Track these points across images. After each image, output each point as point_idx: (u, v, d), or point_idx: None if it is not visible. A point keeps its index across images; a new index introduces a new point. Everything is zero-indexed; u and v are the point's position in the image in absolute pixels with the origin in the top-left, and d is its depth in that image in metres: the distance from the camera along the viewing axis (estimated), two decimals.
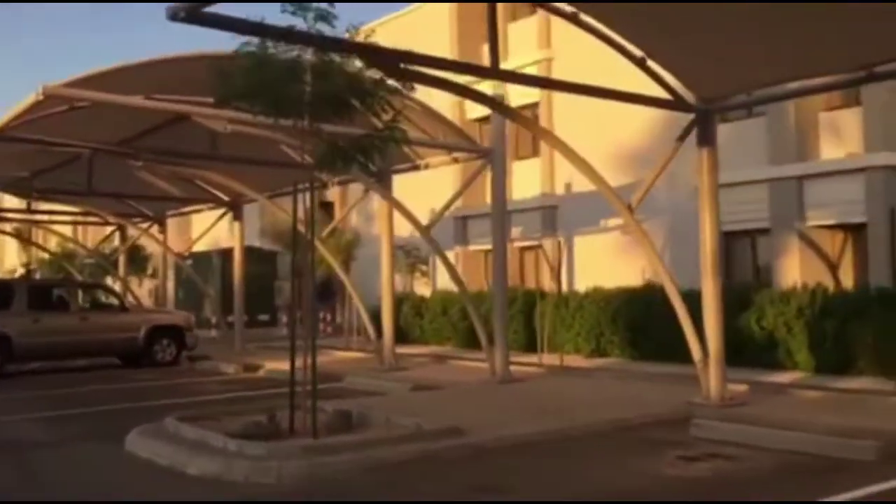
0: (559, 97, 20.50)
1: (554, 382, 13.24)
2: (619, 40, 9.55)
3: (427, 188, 19.52)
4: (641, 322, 16.14)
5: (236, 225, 19.75)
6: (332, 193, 33.28)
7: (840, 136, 15.98)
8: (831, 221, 15.76)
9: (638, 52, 9.70)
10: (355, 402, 10.78)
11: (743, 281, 16.66)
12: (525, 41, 21.03)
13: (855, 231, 15.84)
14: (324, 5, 7.78)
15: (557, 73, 20.29)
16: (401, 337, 17.53)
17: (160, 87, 11.53)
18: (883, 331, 12.60)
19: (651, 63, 9.81)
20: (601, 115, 18.89)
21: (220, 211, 21.75)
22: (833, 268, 16.12)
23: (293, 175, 17.19)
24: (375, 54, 7.76)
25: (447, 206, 14.91)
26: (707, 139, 10.21)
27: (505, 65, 21.64)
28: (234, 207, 19.86)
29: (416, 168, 15.28)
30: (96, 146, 13.72)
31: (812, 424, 8.75)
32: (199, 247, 26.24)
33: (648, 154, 18.24)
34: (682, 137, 10.28)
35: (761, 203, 16.26)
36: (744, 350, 13.50)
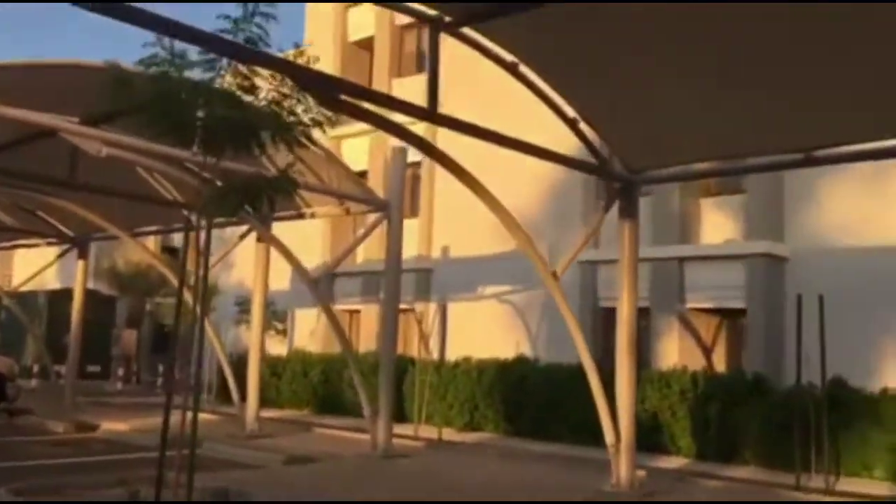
0: None
1: (441, 460, 12.22)
2: (553, 98, 9.00)
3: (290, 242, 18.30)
4: (516, 397, 15.55)
5: (80, 264, 17.62)
6: (179, 239, 31.21)
7: (720, 223, 16.23)
8: (710, 305, 15.85)
9: (570, 112, 9.17)
10: (227, 476, 9.34)
11: None
12: (411, 99, 20.42)
13: (730, 316, 16.00)
14: (256, 30, 6.77)
15: (444, 135, 19.76)
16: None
17: (16, 97, 9.86)
18: (764, 419, 12.54)
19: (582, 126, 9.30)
20: (484, 180, 18.44)
21: (56, 247, 19.52)
22: (707, 351, 16.19)
23: (158, 213, 15.74)
24: (311, 79, 6.74)
25: (343, 257, 13.76)
26: (629, 211, 9.78)
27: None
28: (80, 244, 17.75)
29: (300, 216, 14.08)
30: None
31: None
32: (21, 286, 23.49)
33: (532, 224, 17.94)
34: (606, 207, 9.82)
35: (642, 282, 16.07)
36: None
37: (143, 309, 28.55)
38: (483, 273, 18.99)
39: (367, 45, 23.02)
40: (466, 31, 8.06)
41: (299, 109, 8.01)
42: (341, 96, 6.79)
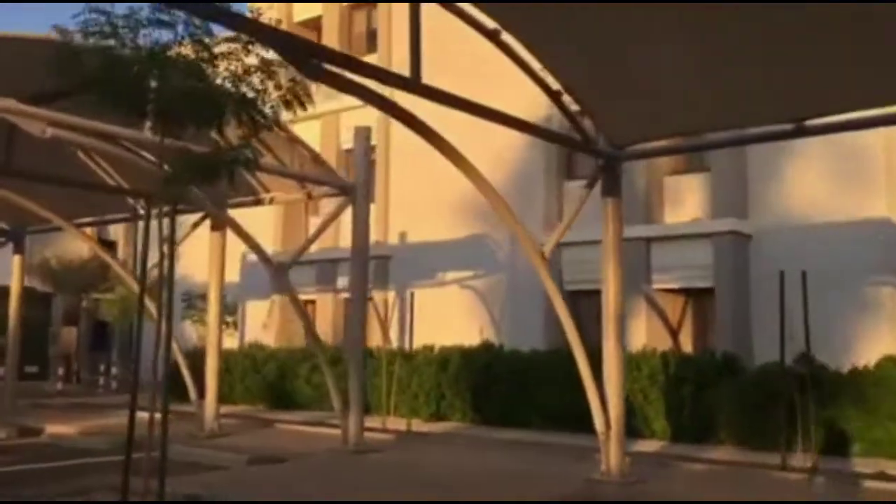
0: (395, 142, 19.41)
1: (416, 453, 11.68)
2: (536, 69, 8.53)
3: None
4: (483, 384, 15.16)
5: (16, 259, 16.54)
6: (115, 231, 29.92)
7: (684, 201, 16.02)
8: (677, 285, 15.64)
9: (554, 85, 8.72)
10: (194, 480, 8.69)
11: (590, 342, 16.15)
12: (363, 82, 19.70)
13: (696, 296, 15.82)
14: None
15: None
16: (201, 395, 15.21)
17: None
18: (738, 399, 12.39)
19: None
20: (440, 160, 17.86)
21: None
22: (674, 332, 15.99)
23: (96, 203, 14.80)
24: (288, 44, 6.15)
25: (309, 244, 13.04)
26: (612, 188, 9.40)
27: (339, 104, 20.51)
28: (16, 238, 16.65)
29: (259, 202, 13.34)
30: None
31: None
32: None
33: (490, 209, 17.49)
34: (590, 185, 9.41)
35: None
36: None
37: (80, 306, 27.30)
38: (442, 259, 18.52)
39: (314, 25, 22.22)
40: None
41: (269, 85, 7.43)
42: (319, 63, 6.19)
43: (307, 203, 20.00)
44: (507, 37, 8.15)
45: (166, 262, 7.36)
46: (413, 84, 7.12)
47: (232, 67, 7.25)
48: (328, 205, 19.19)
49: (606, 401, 9.28)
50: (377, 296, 18.80)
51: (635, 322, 15.75)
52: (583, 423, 13.30)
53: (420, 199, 18.78)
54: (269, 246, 20.57)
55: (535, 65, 8.61)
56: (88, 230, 22.00)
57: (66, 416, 15.30)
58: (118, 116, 8.19)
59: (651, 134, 9.26)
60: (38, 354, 23.45)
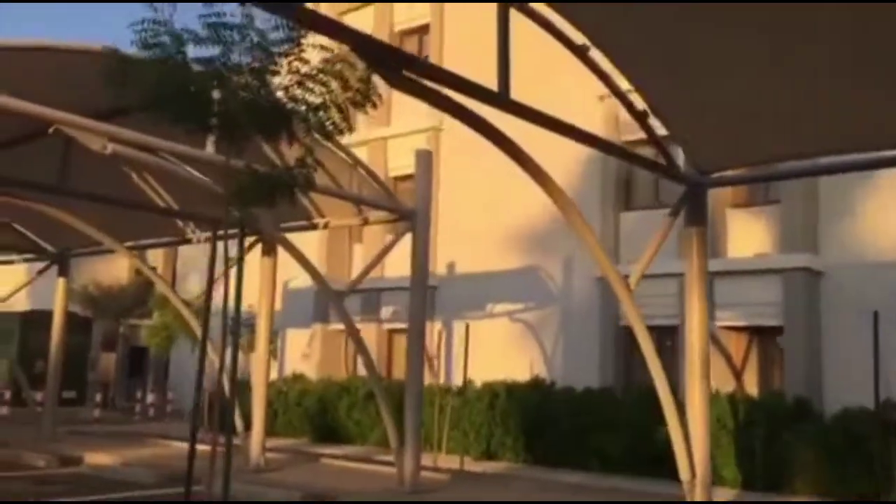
0: (443, 170, 18.94)
1: (480, 496, 10.99)
2: (622, 87, 8.01)
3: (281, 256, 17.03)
4: (535, 423, 14.52)
5: (60, 282, 16.22)
6: (154, 256, 29.72)
7: (747, 234, 15.32)
8: (743, 323, 14.90)
9: (640, 105, 8.19)
10: None
11: (648, 380, 15.41)
12: (412, 108, 19.24)
13: (762, 334, 15.06)
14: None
15: (446, 146, 18.80)
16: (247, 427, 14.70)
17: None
18: (815, 446, 11.65)
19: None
20: (493, 192, 17.48)
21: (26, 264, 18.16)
22: (738, 373, 15.22)
23: (143, 226, 14.48)
24: (375, 52, 5.69)
25: (368, 271, 12.55)
26: (697, 217, 8.81)
27: (387, 131, 20.16)
28: (61, 261, 16.36)
29: (313, 227, 12.89)
30: None
31: None
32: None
33: (545, 236, 16.96)
34: (674, 213, 8.82)
35: (671, 298, 15.16)
36: (665, 460, 12.04)
37: (118, 331, 27.04)
38: (491, 290, 17.93)
39: None
40: (537, 7, 7.03)
41: (335, 86, 7.05)
42: (405, 73, 5.72)
43: (351, 230, 19.60)
44: (594, 53, 7.64)
45: (232, 289, 6.87)
46: (502, 99, 6.61)
47: (294, 69, 6.90)
48: (371, 232, 18.78)
49: (691, 445, 8.59)
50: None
51: None
52: (646, 467, 12.65)
53: (469, 228, 18.29)
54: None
55: (622, 84, 8.10)
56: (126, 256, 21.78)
57: (104, 445, 14.85)
58: (179, 132, 7.83)
59: (743, 160, 8.67)
60: (77, 380, 23.13)
